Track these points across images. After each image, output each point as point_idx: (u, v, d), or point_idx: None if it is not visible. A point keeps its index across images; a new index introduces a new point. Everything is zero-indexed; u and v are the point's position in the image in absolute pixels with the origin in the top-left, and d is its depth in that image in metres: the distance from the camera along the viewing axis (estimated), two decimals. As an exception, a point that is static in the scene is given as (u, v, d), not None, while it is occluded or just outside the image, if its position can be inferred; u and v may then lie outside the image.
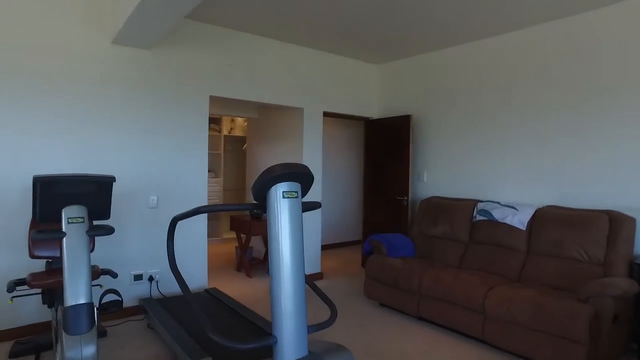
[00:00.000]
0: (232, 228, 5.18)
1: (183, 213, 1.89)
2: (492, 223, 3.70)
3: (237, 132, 7.31)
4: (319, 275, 4.93)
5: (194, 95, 3.98)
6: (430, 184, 4.79)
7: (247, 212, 5.21)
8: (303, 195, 2.14)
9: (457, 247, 3.94)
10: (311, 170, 4.81)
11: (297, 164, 1.87)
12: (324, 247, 6.66)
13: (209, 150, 7.23)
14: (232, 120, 7.27)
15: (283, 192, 1.88)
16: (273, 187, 1.82)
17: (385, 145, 5.14)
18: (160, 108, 3.78)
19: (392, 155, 5.03)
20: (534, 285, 3.15)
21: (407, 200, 4.78)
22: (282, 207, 1.82)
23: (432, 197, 4.47)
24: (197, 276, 4.05)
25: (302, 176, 1.92)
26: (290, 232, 1.80)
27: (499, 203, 3.82)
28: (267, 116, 5.45)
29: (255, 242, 5.68)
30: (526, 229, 3.48)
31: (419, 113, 4.93)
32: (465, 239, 3.93)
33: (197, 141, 4.02)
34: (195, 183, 4.04)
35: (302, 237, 1.86)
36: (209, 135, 6.90)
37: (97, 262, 3.50)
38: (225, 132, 7.03)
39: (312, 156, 4.82)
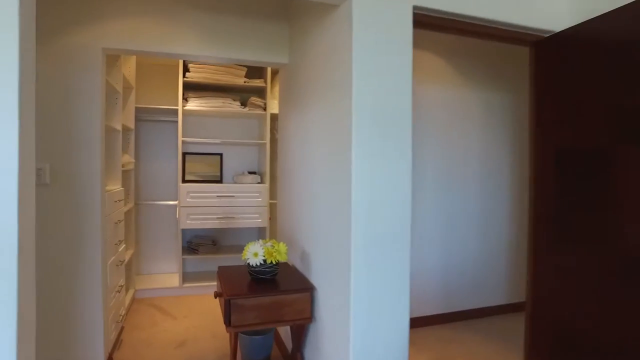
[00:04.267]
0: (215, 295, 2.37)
1: None
2: None
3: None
4: None
5: None
6: None
7: (243, 263, 2.33)
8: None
9: None
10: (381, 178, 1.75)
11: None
12: (430, 322, 3.41)
13: (249, 139, 4.36)
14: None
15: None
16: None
17: (602, 101, 1.78)
18: None
19: (630, 123, 1.66)
20: None
21: None
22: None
23: None
24: None
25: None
26: None
27: None
28: (302, 57, 2.51)
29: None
30: None
31: None
32: None
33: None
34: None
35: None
36: (249, 114, 4.19)
37: None
38: (276, 108, 4.29)
39: (376, 140, 1.73)
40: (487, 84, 3.57)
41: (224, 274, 2.33)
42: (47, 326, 2.33)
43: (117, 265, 2.88)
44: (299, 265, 2.43)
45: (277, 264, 2.19)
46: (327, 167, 1.96)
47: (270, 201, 4.22)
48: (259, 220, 4.13)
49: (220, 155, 4.40)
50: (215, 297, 2.23)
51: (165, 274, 4.29)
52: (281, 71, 3.09)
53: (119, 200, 2.99)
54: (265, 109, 4.23)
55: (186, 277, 4.12)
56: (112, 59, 3.13)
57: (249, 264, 2.17)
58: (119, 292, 2.92)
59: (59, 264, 2.36)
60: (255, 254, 2.14)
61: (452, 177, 3.46)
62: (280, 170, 3.11)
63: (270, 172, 4.23)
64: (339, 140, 1.82)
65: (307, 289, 2.13)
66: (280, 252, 2.16)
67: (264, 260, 2.14)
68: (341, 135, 1.79)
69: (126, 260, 3.33)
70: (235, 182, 4.25)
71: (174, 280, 4.06)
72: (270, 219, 4.20)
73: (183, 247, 4.09)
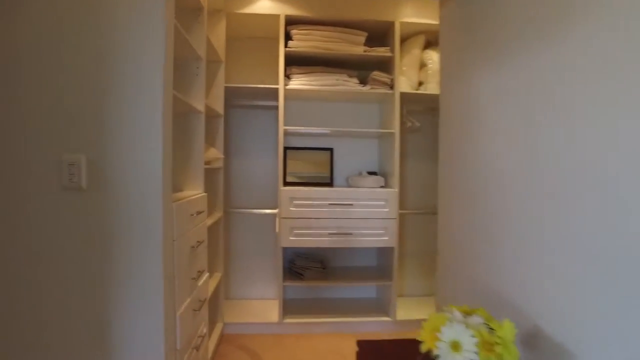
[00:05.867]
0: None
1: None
2: None
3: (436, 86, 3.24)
4: None
5: None
6: None
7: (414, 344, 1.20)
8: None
9: None
10: None
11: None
12: None
13: (369, 128, 3.24)
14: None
15: None
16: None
17: None
18: None
19: None
20: None
21: None
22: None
23: None
24: None
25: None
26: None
27: None
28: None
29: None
30: None
31: None
32: None
33: None
34: None
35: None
36: (370, 96, 3.04)
37: None
38: (405, 87, 3.13)
39: None
40: None
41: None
42: None
43: (194, 310, 1.92)
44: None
45: (497, 365, 1.01)
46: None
47: (400, 211, 3.05)
48: (384, 238, 2.98)
49: (331, 150, 3.34)
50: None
51: (260, 301, 3.34)
52: (445, 6, 1.91)
53: (199, 213, 2.03)
54: (392, 87, 3.08)
55: (286, 307, 3.11)
56: (192, 10, 2.21)
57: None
58: (197, 349, 1.96)
59: (93, 319, 1.43)
60: (455, 345, 0.98)
61: None
62: (448, 172, 1.93)
63: (400, 172, 3.06)
64: None
65: None
66: (508, 346, 0.98)
67: (476, 363, 0.97)
68: None
69: (210, 295, 2.39)
70: (350, 186, 3.16)
71: (272, 311, 3.07)
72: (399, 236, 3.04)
73: (283, 269, 3.09)
